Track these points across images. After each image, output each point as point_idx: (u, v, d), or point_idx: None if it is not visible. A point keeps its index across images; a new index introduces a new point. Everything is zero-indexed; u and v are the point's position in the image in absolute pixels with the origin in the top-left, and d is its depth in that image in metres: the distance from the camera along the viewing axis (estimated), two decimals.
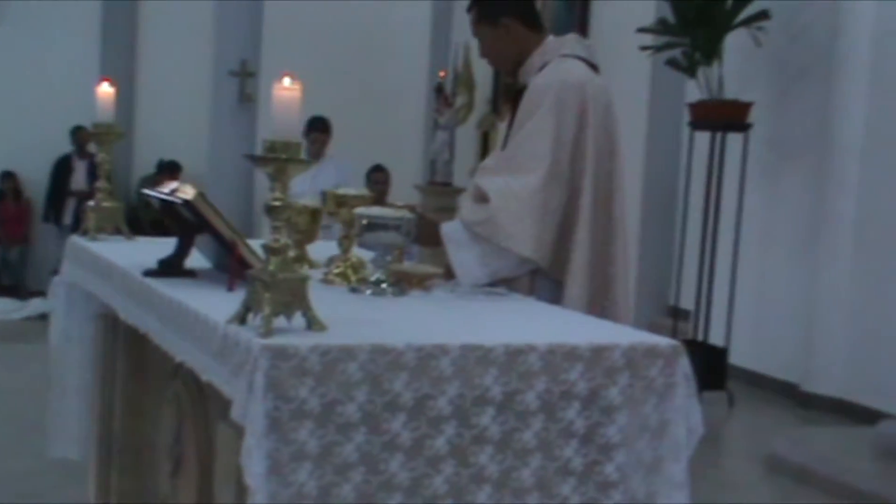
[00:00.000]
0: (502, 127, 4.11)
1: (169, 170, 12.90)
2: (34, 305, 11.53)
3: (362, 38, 13.28)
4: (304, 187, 7.16)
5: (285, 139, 2.41)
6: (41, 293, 11.87)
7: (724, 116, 7.45)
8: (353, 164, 10.39)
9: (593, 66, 3.68)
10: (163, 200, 3.21)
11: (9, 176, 13.02)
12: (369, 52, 14.33)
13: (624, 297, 3.51)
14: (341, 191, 3.38)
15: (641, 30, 7.52)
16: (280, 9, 11.68)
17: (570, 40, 3.77)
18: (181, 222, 3.22)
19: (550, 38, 3.76)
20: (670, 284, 8.88)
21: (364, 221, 3.13)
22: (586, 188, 3.43)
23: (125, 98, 13.50)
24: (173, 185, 3.26)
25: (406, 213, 3.18)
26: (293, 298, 2.42)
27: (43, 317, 11.25)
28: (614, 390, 2.59)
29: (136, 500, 3.79)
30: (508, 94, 3.94)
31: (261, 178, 10.43)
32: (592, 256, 3.42)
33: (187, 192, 3.08)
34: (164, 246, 3.74)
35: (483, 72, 12.94)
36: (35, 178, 13.19)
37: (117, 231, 4.10)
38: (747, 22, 7.36)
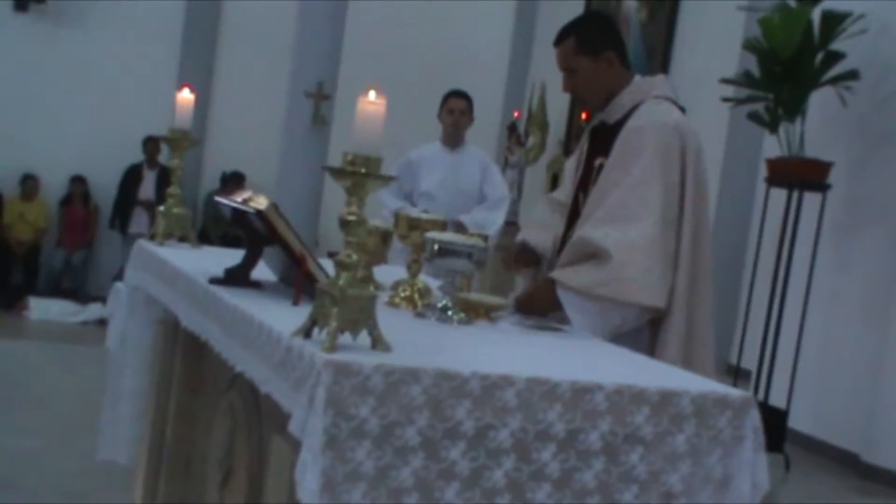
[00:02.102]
0: (570, 162, 4.01)
1: (234, 181, 13.02)
2: (93, 310, 11.66)
3: (440, 71, 13.31)
4: (439, 178, 6.91)
5: (366, 153, 2.37)
6: (101, 299, 11.99)
7: (802, 174, 7.32)
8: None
9: (682, 109, 3.63)
10: (234, 209, 3.18)
11: (79, 180, 13.21)
12: (446, 84, 14.37)
13: (708, 343, 3.44)
14: (415, 214, 3.34)
15: (725, 81, 7.43)
16: (360, 33, 11.75)
17: (661, 81, 3.72)
18: (250, 232, 3.19)
19: (638, 78, 3.71)
20: (732, 342, 8.74)
21: (436, 247, 3.08)
22: (685, 233, 3.37)
23: (199, 110, 13.69)
24: (246, 193, 3.24)
25: (479, 241, 3.13)
26: (360, 316, 2.37)
27: (101, 322, 11.38)
28: (680, 438, 2.51)
29: None
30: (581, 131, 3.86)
31: (328, 201, 10.50)
32: (686, 300, 3.36)
33: (260, 203, 3.05)
34: (231, 256, 3.74)
35: (556, 113, 12.95)
36: (104, 184, 13.35)
37: (184, 238, 4.09)
38: (835, 81, 7.24)
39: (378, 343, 2.39)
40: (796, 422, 7.76)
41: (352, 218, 2.39)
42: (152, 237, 4.08)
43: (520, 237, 3.95)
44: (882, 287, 7.53)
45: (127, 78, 13.10)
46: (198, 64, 13.66)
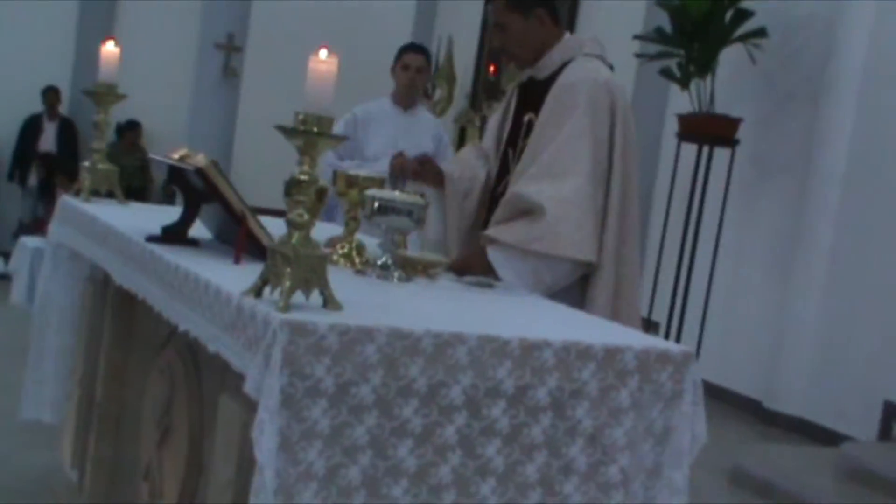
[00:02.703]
0: (494, 118, 4.02)
1: (129, 129, 12.78)
2: None
3: (347, 24, 13.20)
4: (387, 139, 5.87)
5: (317, 113, 2.37)
6: (2, 254, 11.73)
7: (713, 130, 7.46)
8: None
9: (610, 67, 3.68)
10: (171, 166, 3.15)
11: None
12: (353, 37, 14.25)
13: (634, 299, 3.51)
14: (352, 171, 3.34)
15: (638, 37, 7.52)
16: None
17: (591, 40, 3.76)
18: (188, 190, 3.17)
19: (568, 36, 3.74)
20: (643, 295, 8.89)
21: (376, 204, 3.09)
22: (614, 188, 3.43)
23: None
24: (182, 151, 3.21)
25: (418, 199, 3.15)
26: (312, 275, 2.38)
27: (3, 277, 11.13)
28: (624, 392, 2.58)
29: (113, 467, 3.73)
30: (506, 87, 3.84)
31: (238, 154, 10.38)
32: (614, 256, 3.42)
33: (199, 160, 3.03)
34: (160, 213, 3.71)
35: (463, 66, 12.94)
36: (2, 135, 13.01)
37: (111, 194, 4.03)
38: (744, 38, 7.38)
39: (330, 302, 2.41)
40: (703, 371, 7.85)
41: (304, 178, 2.39)
42: (77, 193, 4.00)
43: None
44: (786, 242, 7.73)
45: (24, 29, 12.74)
46: (98, 12, 13.34)
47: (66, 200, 4.03)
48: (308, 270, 2.37)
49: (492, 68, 12.39)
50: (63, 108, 13.38)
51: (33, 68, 12.70)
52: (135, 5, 13.22)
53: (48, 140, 13.10)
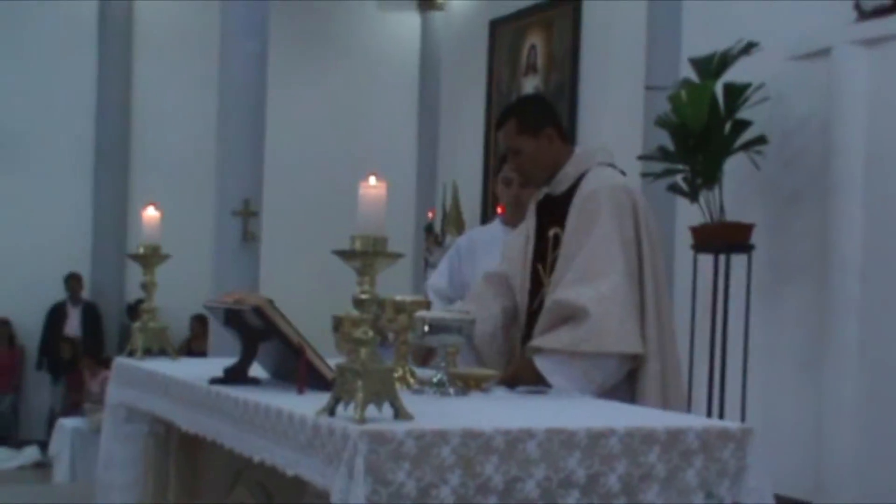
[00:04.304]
0: (514, 237, 4.14)
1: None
2: (28, 454, 11.48)
3: (354, 177, 13.55)
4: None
5: (372, 234, 2.53)
6: (35, 442, 11.82)
7: (727, 238, 7.63)
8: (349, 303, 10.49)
9: (622, 173, 3.86)
10: (227, 310, 3.29)
11: (2, 323, 13.05)
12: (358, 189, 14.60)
13: (682, 388, 3.63)
14: (399, 297, 3.48)
15: (642, 157, 7.77)
16: (279, 148, 11.95)
17: (602, 149, 3.95)
18: (245, 331, 3.30)
19: (579, 149, 3.93)
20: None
21: (426, 326, 3.23)
22: (647, 283, 3.56)
23: (118, 236, 13.69)
24: (235, 296, 3.35)
25: (466, 316, 3.29)
26: (382, 388, 2.50)
27: (38, 465, 11.21)
28: (690, 472, 2.67)
29: None
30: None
31: None
32: (657, 347, 3.54)
33: (254, 300, 3.18)
34: (213, 363, 3.84)
35: (470, 209, 13.20)
36: (28, 325, 13.24)
37: (163, 351, 4.17)
38: (745, 147, 7.61)
39: (400, 413, 2.52)
40: None
41: (364, 297, 2.54)
42: (131, 353, 4.14)
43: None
44: (813, 340, 7.80)
45: (44, 218, 13.08)
46: (112, 192, 13.71)
47: (120, 361, 4.16)
48: (378, 383, 2.49)
49: (499, 209, 12.62)
50: (85, 293, 13.64)
51: (54, 257, 13.01)
52: (148, 180, 13.60)
53: (73, 325, 13.35)
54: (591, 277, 3.52)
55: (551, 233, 3.84)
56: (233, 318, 3.31)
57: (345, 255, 2.53)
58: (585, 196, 3.69)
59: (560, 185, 3.86)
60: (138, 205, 13.71)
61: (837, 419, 7.58)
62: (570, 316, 3.49)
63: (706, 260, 7.80)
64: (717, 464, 2.70)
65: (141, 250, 4.14)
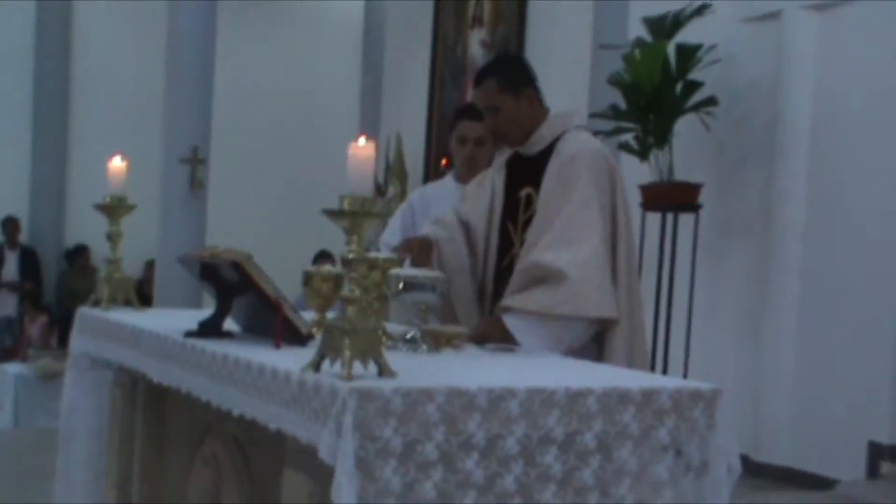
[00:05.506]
0: (473, 188, 4.17)
1: (78, 254, 13.05)
2: None
3: (298, 127, 13.55)
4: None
5: (360, 194, 2.56)
6: None
7: (675, 198, 7.74)
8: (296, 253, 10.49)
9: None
10: (204, 263, 3.31)
11: None
12: (304, 142, 14.60)
13: (645, 350, 3.72)
14: (371, 254, 3.51)
15: (595, 115, 7.82)
16: (227, 100, 11.86)
17: (574, 114, 3.99)
18: (221, 285, 3.32)
19: (553, 112, 3.97)
20: None
21: (401, 283, 3.27)
22: (621, 248, 3.64)
23: (55, 184, 13.53)
24: (210, 250, 3.37)
25: (439, 274, 3.34)
26: (368, 346, 2.55)
27: None
28: (662, 431, 2.76)
29: None
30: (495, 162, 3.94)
31: None
32: (628, 311, 3.62)
33: (232, 255, 3.20)
34: (179, 315, 3.86)
35: (413, 162, 13.23)
36: None
37: (128, 302, 4.17)
38: (696, 108, 7.70)
39: (385, 371, 2.57)
40: None
41: (352, 255, 2.57)
42: (96, 303, 4.14)
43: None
44: (755, 298, 7.96)
45: None
46: (52, 139, 13.53)
47: (84, 311, 4.16)
48: (364, 342, 2.54)
49: (443, 161, 12.67)
50: (23, 238, 13.49)
51: None
52: (89, 125, 13.44)
53: (10, 270, 13.20)
54: (570, 241, 3.57)
55: (523, 192, 3.89)
56: (209, 272, 3.32)
57: (333, 214, 2.56)
58: (565, 160, 3.73)
59: (534, 146, 3.90)
60: (78, 149, 13.62)
61: (776, 377, 7.77)
62: (545, 277, 3.55)
63: (654, 218, 7.91)
64: (688, 423, 2.79)
65: (108, 200, 4.12)
